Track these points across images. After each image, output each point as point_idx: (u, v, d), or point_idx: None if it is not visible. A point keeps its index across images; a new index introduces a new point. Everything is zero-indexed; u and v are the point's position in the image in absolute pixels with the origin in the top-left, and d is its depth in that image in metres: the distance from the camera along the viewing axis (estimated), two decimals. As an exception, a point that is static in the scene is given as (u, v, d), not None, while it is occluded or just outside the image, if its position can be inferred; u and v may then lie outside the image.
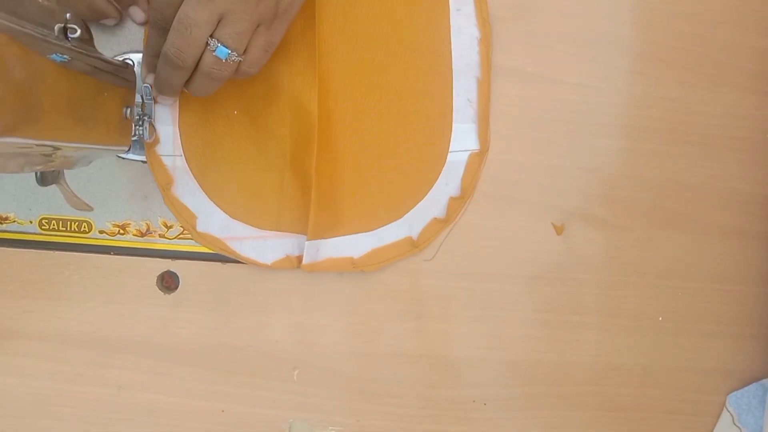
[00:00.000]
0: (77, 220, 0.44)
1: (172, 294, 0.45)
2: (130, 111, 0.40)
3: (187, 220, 0.44)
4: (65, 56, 0.31)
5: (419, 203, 0.45)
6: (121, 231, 0.44)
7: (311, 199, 0.42)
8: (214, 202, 0.44)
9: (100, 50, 0.38)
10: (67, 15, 0.33)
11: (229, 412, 0.46)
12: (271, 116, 0.44)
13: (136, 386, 0.45)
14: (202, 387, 0.45)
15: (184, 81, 0.39)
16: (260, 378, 0.46)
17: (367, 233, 0.45)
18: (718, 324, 0.47)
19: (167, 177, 0.44)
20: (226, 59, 0.36)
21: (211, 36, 0.36)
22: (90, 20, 0.41)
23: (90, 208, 0.41)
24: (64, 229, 0.44)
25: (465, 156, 0.45)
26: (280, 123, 0.44)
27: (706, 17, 0.46)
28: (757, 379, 0.47)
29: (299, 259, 0.44)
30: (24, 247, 0.44)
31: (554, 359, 0.46)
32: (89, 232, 0.44)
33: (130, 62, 0.42)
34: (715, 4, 0.46)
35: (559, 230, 0.46)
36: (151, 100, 0.42)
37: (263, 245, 0.44)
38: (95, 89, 0.35)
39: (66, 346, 0.45)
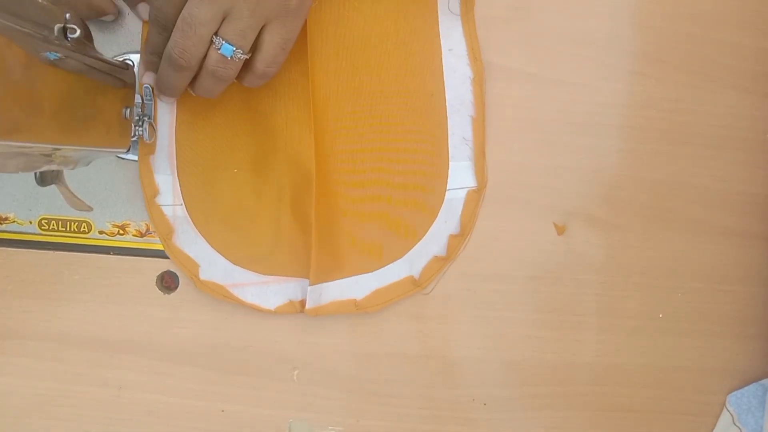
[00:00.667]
0: (77, 221, 0.44)
1: (172, 294, 0.45)
2: (130, 111, 0.40)
3: (189, 268, 0.44)
4: (58, 54, 0.31)
5: (419, 242, 0.45)
6: (121, 231, 0.44)
7: (312, 243, 0.42)
8: (216, 250, 0.44)
9: (99, 51, 0.38)
10: (67, 15, 0.33)
11: (229, 412, 0.46)
12: (268, 162, 0.44)
13: (136, 386, 0.45)
14: (202, 387, 0.45)
15: (188, 82, 0.39)
16: (260, 378, 0.46)
17: (369, 274, 0.45)
18: (718, 324, 0.47)
19: (168, 227, 0.44)
20: (231, 57, 0.36)
21: (216, 34, 0.36)
22: (89, 18, 0.41)
23: (89, 209, 0.41)
24: (64, 229, 0.44)
25: (463, 193, 0.45)
26: (278, 169, 0.44)
27: (706, 17, 0.46)
28: (757, 379, 0.47)
29: (302, 303, 0.44)
30: (24, 247, 0.44)
31: (554, 359, 0.46)
32: (89, 232, 0.44)
33: (130, 62, 0.42)
34: (715, 4, 0.45)
35: (560, 230, 0.46)
36: (150, 100, 0.42)
37: (266, 291, 0.44)
38: (95, 90, 0.35)
39: (66, 346, 0.45)
